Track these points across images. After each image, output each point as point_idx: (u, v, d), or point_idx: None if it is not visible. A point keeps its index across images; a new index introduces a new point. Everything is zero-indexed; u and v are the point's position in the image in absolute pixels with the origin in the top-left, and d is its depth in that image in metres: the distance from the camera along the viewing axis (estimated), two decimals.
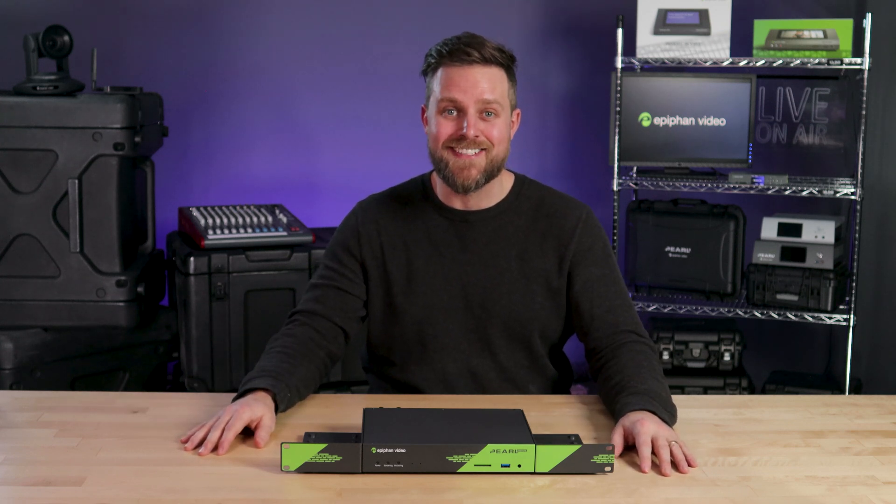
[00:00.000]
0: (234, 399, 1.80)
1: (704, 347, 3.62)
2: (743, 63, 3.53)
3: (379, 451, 1.57)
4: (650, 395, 1.80)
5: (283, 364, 1.89)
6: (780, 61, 3.50)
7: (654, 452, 1.66)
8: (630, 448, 1.69)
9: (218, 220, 3.33)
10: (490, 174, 1.99)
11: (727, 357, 3.61)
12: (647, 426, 1.69)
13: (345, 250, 2.08)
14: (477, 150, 1.96)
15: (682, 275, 3.66)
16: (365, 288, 2.08)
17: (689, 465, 1.64)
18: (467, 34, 1.99)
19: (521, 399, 1.98)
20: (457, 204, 2.06)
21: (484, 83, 1.95)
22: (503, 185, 2.08)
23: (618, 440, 1.71)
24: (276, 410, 1.80)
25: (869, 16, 3.39)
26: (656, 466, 1.64)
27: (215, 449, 1.67)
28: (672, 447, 1.66)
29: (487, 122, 1.97)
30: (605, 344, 2.00)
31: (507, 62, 1.99)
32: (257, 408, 1.74)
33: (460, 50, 1.95)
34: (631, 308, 2.06)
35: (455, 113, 1.97)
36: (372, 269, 2.07)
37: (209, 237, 3.25)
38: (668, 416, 1.78)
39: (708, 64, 3.55)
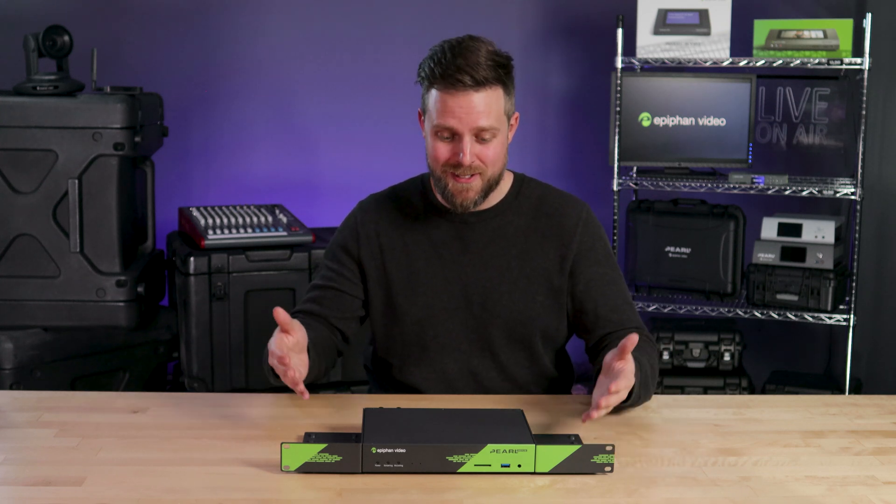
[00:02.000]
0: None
1: (704, 347, 3.62)
2: (743, 63, 3.53)
3: (379, 451, 1.57)
4: (639, 365, 1.83)
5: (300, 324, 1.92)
6: (780, 61, 3.50)
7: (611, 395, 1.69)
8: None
9: (218, 220, 3.33)
10: (487, 191, 2.00)
11: (727, 357, 3.61)
12: (628, 378, 1.74)
13: (343, 251, 2.09)
14: (472, 174, 1.96)
15: (682, 275, 3.66)
16: (363, 288, 2.09)
17: (597, 405, 1.68)
18: (460, 51, 1.91)
19: (521, 399, 1.98)
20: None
21: (479, 108, 1.91)
22: (502, 186, 2.07)
23: (627, 356, 1.74)
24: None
25: (869, 16, 3.39)
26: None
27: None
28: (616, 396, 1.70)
29: (483, 146, 1.94)
30: (608, 340, 2.02)
31: (501, 76, 1.93)
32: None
33: (452, 76, 1.89)
34: (633, 306, 2.08)
35: (451, 137, 1.95)
36: (370, 269, 2.07)
37: (209, 237, 3.25)
38: (645, 392, 1.86)
39: (708, 64, 3.55)
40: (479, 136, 1.93)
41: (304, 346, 1.84)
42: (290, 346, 1.78)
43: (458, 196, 1.97)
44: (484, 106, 1.92)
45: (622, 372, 1.72)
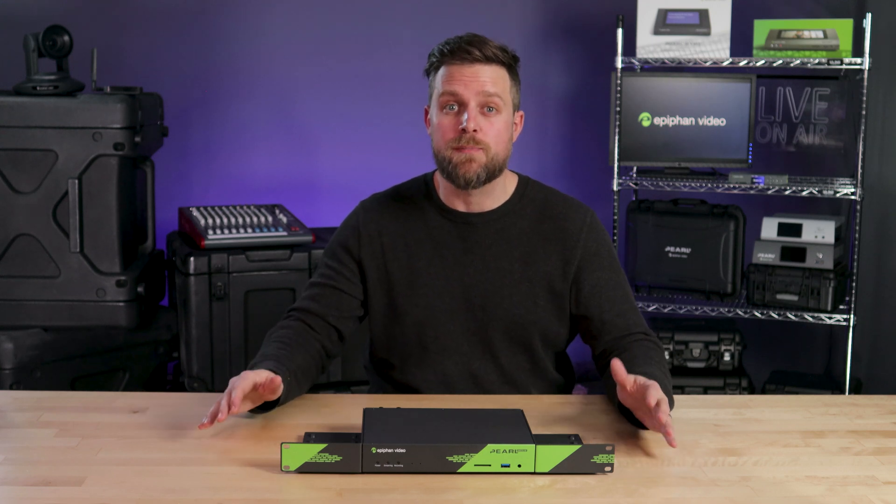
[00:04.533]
0: None
1: (704, 347, 3.62)
2: (743, 63, 3.53)
3: (379, 451, 1.57)
4: (655, 379, 1.79)
5: (281, 351, 1.91)
6: (780, 61, 3.50)
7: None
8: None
9: (218, 220, 3.33)
10: (491, 173, 1.98)
11: (727, 357, 3.61)
12: (657, 387, 1.69)
13: (344, 250, 2.09)
14: (476, 148, 1.96)
15: (682, 275, 3.66)
16: (363, 288, 2.08)
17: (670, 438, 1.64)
18: (470, 34, 2.00)
19: (521, 399, 1.98)
20: (459, 206, 2.06)
21: (485, 77, 1.96)
22: (506, 187, 2.07)
23: (628, 379, 1.71)
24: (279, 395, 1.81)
25: (869, 16, 3.39)
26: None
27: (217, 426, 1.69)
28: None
29: (487, 119, 1.96)
30: (614, 346, 2.01)
31: (509, 62, 2.00)
32: (261, 373, 1.76)
33: (462, 49, 1.96)
34: (638, 310, 2.07)
35: (456, 108, 1.96)
36: (371, 269, 2.07)
37: (209, 237, 3.25)
38: (671, 400, 1.80)
39: (708, 64, 3.55)
40: (485, 105, 1.96)
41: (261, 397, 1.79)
42: (246, 390, 1.72)
43: (461, 167, 1.96)
44: (490, 78, 1.96)
45: (647, 389, 1.69)
